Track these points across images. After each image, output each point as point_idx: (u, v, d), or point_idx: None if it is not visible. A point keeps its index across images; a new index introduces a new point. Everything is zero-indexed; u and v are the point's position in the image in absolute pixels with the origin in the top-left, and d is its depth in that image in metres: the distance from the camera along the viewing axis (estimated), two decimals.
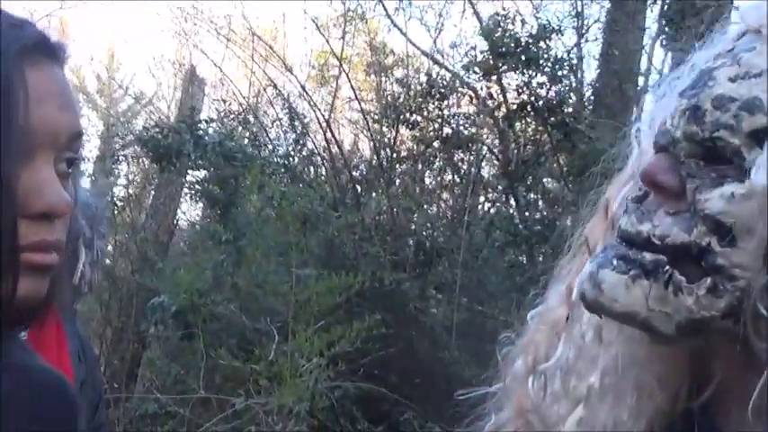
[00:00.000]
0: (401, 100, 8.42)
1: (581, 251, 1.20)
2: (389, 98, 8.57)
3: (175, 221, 9.86)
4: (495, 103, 8.01)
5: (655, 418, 1.10)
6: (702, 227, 0.95)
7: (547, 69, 7.32)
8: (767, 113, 0.94)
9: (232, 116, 8.70)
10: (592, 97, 8.48)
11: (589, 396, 1.13)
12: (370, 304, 6.83)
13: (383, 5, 8.90)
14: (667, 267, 0.97)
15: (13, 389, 1.08)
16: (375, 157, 7.95)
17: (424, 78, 8.37)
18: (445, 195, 8.83)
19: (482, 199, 9.06)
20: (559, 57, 7.74)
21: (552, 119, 7.25)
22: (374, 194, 8.07)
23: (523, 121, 7.87)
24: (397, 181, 8.20)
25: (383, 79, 9.07)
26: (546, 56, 7.44)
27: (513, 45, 7.16)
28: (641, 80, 8.59)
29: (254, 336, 6.40)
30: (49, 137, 1.07)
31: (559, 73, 7.49)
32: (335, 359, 5.84)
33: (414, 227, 8.16)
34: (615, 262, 1.00)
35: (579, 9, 8.21)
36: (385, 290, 6.79)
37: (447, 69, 8.63)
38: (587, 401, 1.13)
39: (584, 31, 8.36)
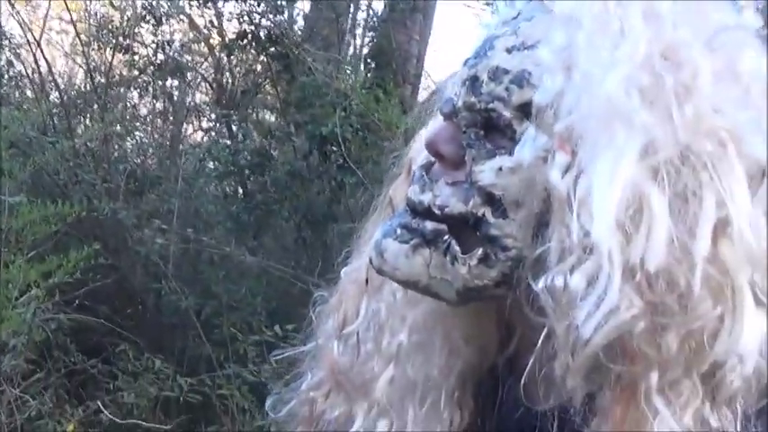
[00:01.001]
0: (115, 23, 8.15)
1: (386, 211, 1.25)
2: (102, 21, 8.27)
3: None
4: (214, 31, 7.95)
5: (464, 374, 1.14)
6: (478, 198, 1.00)
7: None
8: (535, 87, 0.97)
9: None
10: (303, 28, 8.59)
11: (399, 353, 1.16)
12: (86, 234, 6.66)
13: None
14: (447, 237, 1.02)
15: None
16: (90, 82, 7.66)
17: (139, 2, 8.13)
18: (158, 123, 8.68)
19: (195, 127, 9.00)
20: None
21: (273, 49, 7.28)
22: (87, 120, 7.80)
23: (242, 51, 7.85)
24: (112, 108, 7.95)
25: (92, 2, 8.72)
26: None
27: None
28: (359, 14, 8.79)
29: None
30: None
31: (280, 2, 7.51)
32: (52, 290, 5.67)
33: (127, 154, 7.99)
34: (398, 231, 1.05)
35: None
36: (100, 219, 6.64)
37: None
38: (397, 359, 1.16)
39: None
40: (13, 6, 7.27)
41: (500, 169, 0.98)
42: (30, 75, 7.77)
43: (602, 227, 0.85)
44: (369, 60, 8.43)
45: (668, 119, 0.88)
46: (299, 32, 8.31)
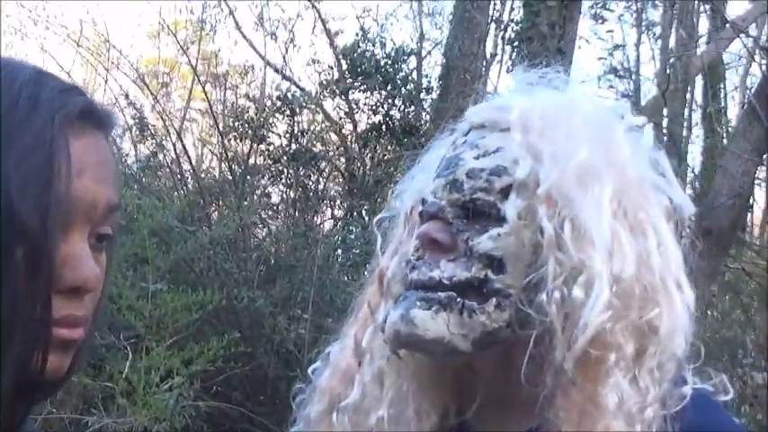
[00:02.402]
0: (251, 114, 8.37)
1: (364, 313, 1.46)
2: (239, 112, 8.50)
3: None
4: (348, 122, 8.08)
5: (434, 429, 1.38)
6: (479, 264, 1.26)
7: (402, 90, 7.43)
8: (510, 174, 1.27)
9: None
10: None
11: (379, 425, 1.37)
12: (223, 321, 6.75)
13: (233, 18, 8.86)
14: (458, 299, 1.26)
15: None
16: (228, 171, 7.84)
17: (275, 94, 8.34)
18: (291, 211, 8.82)
19: (328, 216, 9.11)
20: (409, 77, 7.89)
21: (406, 140, 7.36)
22: (225, 209, 7.97)
23: (376, 142, 7.95)
24: (248, 197, 8.11)
25: (229, 92, 8.99)
26: (400, 76, 7.58)
27: (372, 65, 7.24)
28: None
29: (105, 352, 6.20)
30: (86, 209, 1.04)
31: (412, 93, 7.62)
32: (192, 377, 5.74)
33: (260, 242, 8.11)
34: (419, 303, 1.27)
35: (421, 30, 8.41)
36: (237, 307, 6.72)
37: (297, 86, 8.65)
38: (378, 428, 1.38)
39: (425, 54, 8.56)
40: (155, 98, 7.53)
41: (498, 236, 1.25)
42: (170, 165, 7.99)
43: (597, 252, 1.20)
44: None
45: (622, 177, 1.27)
46: (429, 123, 8.39)
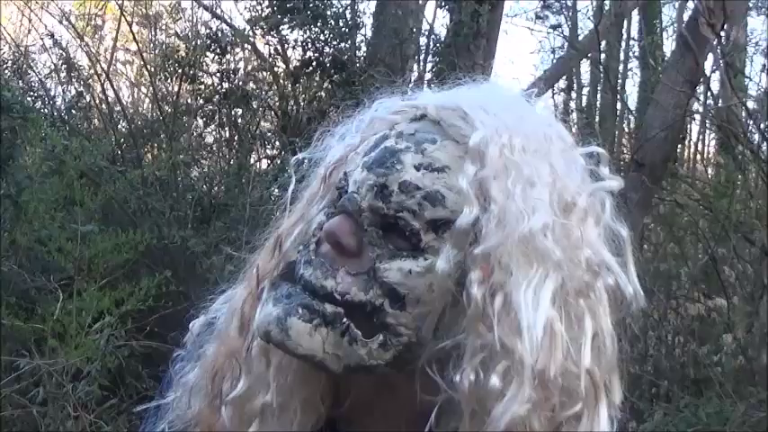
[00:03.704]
0: (181, 53, 8.27)
1: (250, 281, 1.32)
2: (169, 51, 8.40)
3: None
4: (280, 60, 8.02)
5: (314, 426, 1.28)
6: (379, 290, 1.13)
7: (332, 25, 7.38)
8: (446, 207, 1.13)
9: (6, 65, 8.29)
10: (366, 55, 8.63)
11: (264, 413, 1.26)
12: (156, 262, 6.73)
13: None
14: (345, 320, 1.14)
15: None
16: (158, 111, 7.77)
17: (204, 32, 8.24)
18: (225, 151, 8.77)
19: (261, 155, 9.07)
20: (340, 12, 7.84)
21: (337, 76, 7.33)
22: (156, 149, 7.91)
23: (308, 79, 7.91)
24: (179, 136, 8.05)
25: (160, 33, 8.88)
26: (330, 12, 7.53)
27: (301, 0, 7.19)
28: (422, 40, 8.81)
29: (36, 294, 6.17)
30: None
31: (343, 29, 7.57)
32: (124, 318, 5.73)
33: (194, 182, 8.07)
34: (300, 311, 1.15)
35: None
36: (170, 247, 6.71)
37: (227, 23, 8.57)
38: (262, 418, 1.27)
39: None
40: (81, 39, 7.41)
41: (409, 272, 1.13)
42: (98, 105, 7.90)
43: (526, 342, 1.06)
44: (432, 86, 8.44)
45: (570, 257, 1.12)
46: (363, 59, 8.36)
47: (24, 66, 8.50)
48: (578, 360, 1.09)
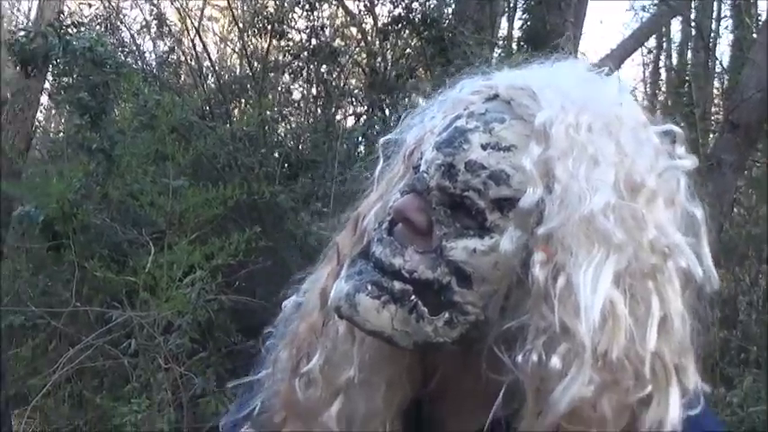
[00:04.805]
0: (270, 10, 8.27)
1: (332, 259, 1.33)
2: (258, 7, 8.40)
3: (33, 129, 9.45)
4: (368, 16, 7.98)
5: (400, 405, 1.28)
6: (445, 268, 1.13)
7: None
8: (511, 186, 1.12)
9: (98, 21, 8.39)
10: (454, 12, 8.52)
11: (348, 388, 1.26)
12: (244, 217, 6.78)
13: None
14: (413, 297, 1.14)
15: None
16: (247, 67, 7.79)
17: None
18: (312, 108, 8.77)
19: (348, 112, 9.07)
20: None
21: (426, 33, 7.25)
22: (244, 105, 7.94)
23: (397, 36, 7.85)
24: (269, 93, 8.07)
25: None
26: None
27: None
28: None
29: (128, 248, 6.27)
30: None
31: None
32: (214, 272, 5.79)
33: (282, 138, 8.10)
34: (369, 287, 1.16)
35: None
36: (258, 203, 6.75)
37: None
38: (346, 393, 1.27)
39: None
40: None
41: (474, 251, 1.12)
42: (188, 61, 7.95)
43: (584, 324, 1.05)
44: (522, 43, 8.33)
45: (632, 238, 1.09)
46: (451, 16, 8.26)
47: (116, 22, 8.61)
48: (644, 343, 1.08)
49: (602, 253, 1.08)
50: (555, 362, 1.06)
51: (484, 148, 1.14)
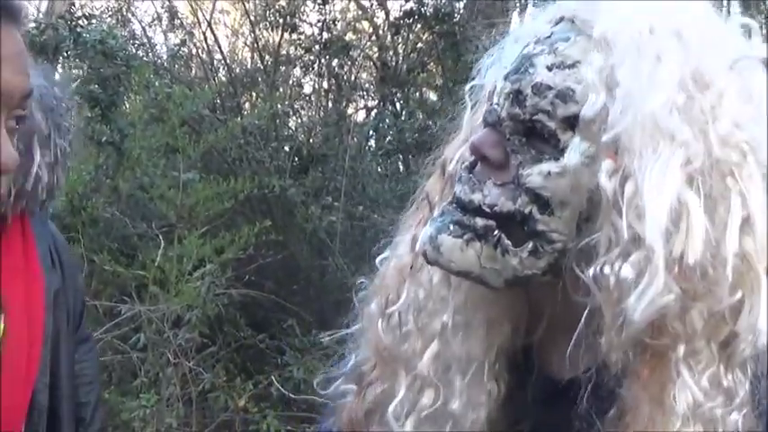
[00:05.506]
0: (282, 3, 8.24)
1: (422, 206, 1.35)
2: (270, 1, 8.37)
3: None
4: (380, 10, 7.94)
5: (501, 349, 1.28)
6: (525, 197, 1.12)
7: None
8: (578, 102, 1.10)
9: (110, 14, 8.39)
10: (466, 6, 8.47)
11: (443, 332, 1.27)
12: (255, 211, 6.75)
13: None
14: (496, 232, 1.15)
15: None
16: (258, 61, 7.77)
17: None
18: (323, 101, 8.74)
19: (360, 106, 9.04)
20: None
21: (438, 27, 7.21)
22: (255, 98, 7.91)
23: (409, 29, 7.81)
24: (280, 87, 8.04)
25: None
26: None
27: None
28: None
29: (137, 241, 6.25)
30: (6, 98, 1.14)
31: None
32: (224, 266, 5.76)
33: (293, 132, 8.07)
34: (452, 227, 1.16)
35: None
36: (269, 196, 6.72)
37: None
38: (441, 336, 1.27)
39: None
40: None
41: (548, 174, 1.11)
42: (199, 54, 7.92)
43: (651, 227, 1.01)
44: None
45: (702, 134, 1.04)
46: (463, 10, 8.21)
47: (127, 14, 8.61)
48: (725, 245, 1.03)
49: (667, 152, 1.04)
50: (627, 271, 1.03)
51: (549, 69, 1.13)
